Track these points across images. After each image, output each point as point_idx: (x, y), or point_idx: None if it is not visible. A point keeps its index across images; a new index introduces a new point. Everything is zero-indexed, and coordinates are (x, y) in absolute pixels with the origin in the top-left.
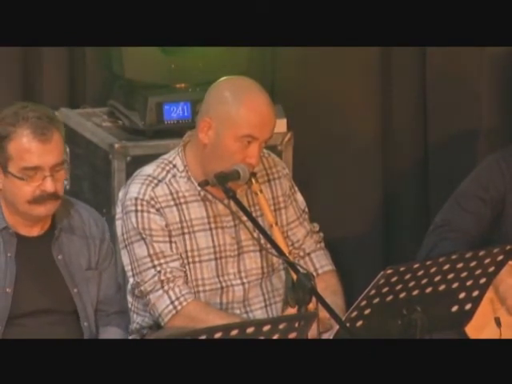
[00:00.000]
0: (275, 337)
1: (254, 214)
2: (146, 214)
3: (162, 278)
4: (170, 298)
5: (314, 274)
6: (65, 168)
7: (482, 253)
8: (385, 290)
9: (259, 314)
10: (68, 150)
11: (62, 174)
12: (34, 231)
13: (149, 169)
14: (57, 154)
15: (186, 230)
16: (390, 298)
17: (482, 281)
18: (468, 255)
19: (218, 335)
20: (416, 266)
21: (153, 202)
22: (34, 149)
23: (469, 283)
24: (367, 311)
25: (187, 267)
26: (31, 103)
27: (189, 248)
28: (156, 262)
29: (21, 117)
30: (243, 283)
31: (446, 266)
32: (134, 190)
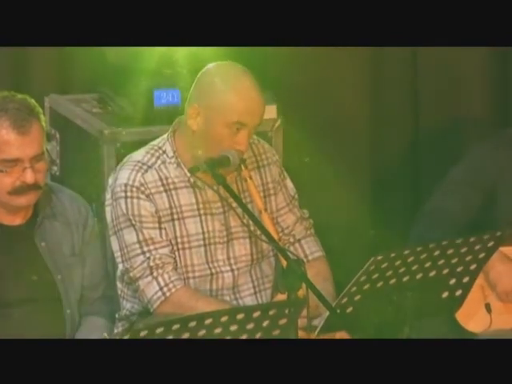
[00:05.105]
0: (265, 323)
1: (243, 201)
2: (135, 201)
3: (151, 264)
4: (159, 284)
5: (305, 260)
6: (45, 158)
7: (472, 239)
8: (375, 276)
9: (249, 300)
10: (58, 136)
11: (42, 165)
12: (17, 220)
13: (138, 155)
14: (36, 145)
15: (175, 216)
16: (380, 284)
17: (473, 267)
18: (458, 241)
19: (208, 322)
20: (406, 252)
21: (142, 188)
22: (13, 141)
23: (459, 269)
24: (357, 297)
25: (176, 253)
26: (12, 93)
27: (178, 234)
28: (145, 249)
29: (0, 108)
30: (233, 270)
31: (437, 253)
32: (123, 176)
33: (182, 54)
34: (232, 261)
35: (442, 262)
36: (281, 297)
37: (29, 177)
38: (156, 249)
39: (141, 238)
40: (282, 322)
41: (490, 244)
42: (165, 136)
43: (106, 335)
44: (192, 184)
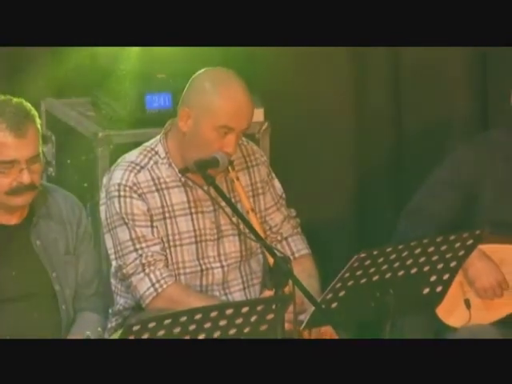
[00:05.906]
0: (253, 318)
1: (232, 200)
2: (128, 200)
3: (144, 261)
4: (150, 280)
5: (291, 257)
6: (41, 160)
7: (452, 237)
8: (359, 272)
9: (238, 296)
10: (54, 138)
11: (38, 166)
12: (13, 219)
13: (132, 156)
14: (33, 147)
15: (167, 215)
16: (363, 280)
17: (453, 264)
18: (439, 239)
19: (197, 317)
20: (389, 249)
21: (135, 188)
22: (10, 143)
23: (440, 266)
24: (342, 293)
25: (168, 251)
26: (8, 97)
27: (170, 232)
28: (138, 246)
29: None
30: (222, 266)
31: (418, 250)
32: (117, 176)
33: (173, 57)
34: (222, 257)
35: (423, 259)
36: (268, 293)
37: (25, 177)
38: (148, 246)
39: (133, 235)
40: (270, 317)
41: (469, 242)
42: (157, 137)
43: (88, 334)
44: (183, 183)
